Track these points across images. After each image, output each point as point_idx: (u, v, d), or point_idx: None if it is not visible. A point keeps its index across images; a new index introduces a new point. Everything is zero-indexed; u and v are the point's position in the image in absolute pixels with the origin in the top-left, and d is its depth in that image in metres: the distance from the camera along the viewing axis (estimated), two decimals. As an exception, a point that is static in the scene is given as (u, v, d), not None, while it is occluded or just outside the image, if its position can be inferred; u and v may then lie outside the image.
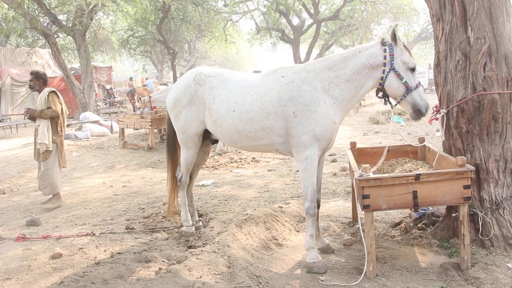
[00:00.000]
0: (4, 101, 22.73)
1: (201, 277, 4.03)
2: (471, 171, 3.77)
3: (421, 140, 5.11)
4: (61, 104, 7.08)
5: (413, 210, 4.82)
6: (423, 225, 4.86)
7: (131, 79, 35.37)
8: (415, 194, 3.76)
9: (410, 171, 4.63)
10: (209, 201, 6.72)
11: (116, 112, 20.57)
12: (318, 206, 4.58)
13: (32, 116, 7.02)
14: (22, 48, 25.05)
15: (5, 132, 18.21)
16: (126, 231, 5.51)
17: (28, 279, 4.33)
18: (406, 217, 5.24)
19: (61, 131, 7.14)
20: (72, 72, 24.62)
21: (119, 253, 4.82)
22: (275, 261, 4.43)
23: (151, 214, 6.19)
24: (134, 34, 29.60)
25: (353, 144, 5.25)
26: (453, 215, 4.38)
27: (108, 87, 31.61)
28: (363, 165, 3.86)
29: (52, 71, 24.73)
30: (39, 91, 7.13)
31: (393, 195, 3.79)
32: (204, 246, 4.70)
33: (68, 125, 16.26)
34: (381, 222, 5.30)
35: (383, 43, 4.14)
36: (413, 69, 4.10)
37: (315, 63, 4.31)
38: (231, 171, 9.14)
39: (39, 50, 25.94)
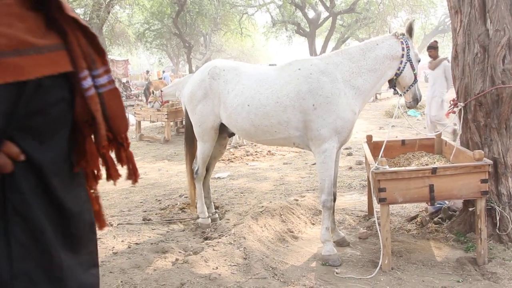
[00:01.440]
0: None
1: (217, 268, 4.08)
2: (489, 165, 3.74)
3: (439, 134, 5.08)
4: None
5: (429, 203, 4.80)
6: (439, 220, 4.84)
7: (147, 72, 35.62)
8: (431, 187, 3.75)
9: (427, 164, 4.62)
10: (225, 194, 6.77)
11: (133, 105, 20.75)
12: (334, 199, 4.59)
13: None
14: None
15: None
16: (143, 222, 5.60)
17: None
18: (422, 211, 5.22)
19: None
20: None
21: (136, 243, 4.90)
22: (291, 253, 4.46)
23: (168, 205, 6.26)
24: (150, 27, 29.79)
25: (369, 138, 5.24)
26: (470, 209, 4.35)
27: (124, 80, 31.88)
28: (380, 158, 3.86)
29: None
30: None
31: (410, 189, 3.78)
32: (220, 238, 4.75)
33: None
34: (397, 216, 5.29)
35: (397, 36, 4.23)
36: (419, 61, 4.35)
37: (332, 55, 4.32)
38: (247, 164, 9.18)
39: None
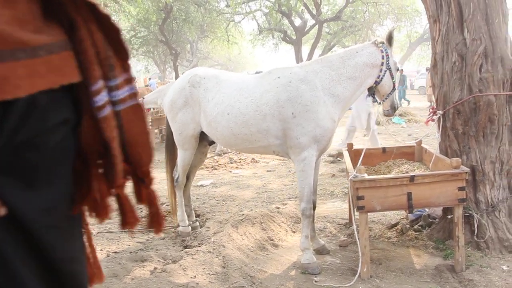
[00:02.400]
0: None
1: (195, 277, 4.04)
2: (466, 172, 3.77)
3: (419, 142, 5.11)
4: None
5: (407, 211, 4.81)
6: (419, 227, 4.85)
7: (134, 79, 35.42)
8: (409, 195, 3.75)
9: (407, 172, 4.64)
10: (207, 201, 6.73)
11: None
12: (314, 208, 4.58)
13: None
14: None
15: None
16: (123, 230, 5.53)
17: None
18: (403, 218, 5.24)
19: None
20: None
21: (115, 252, 4.84)
22: (270, 262, 4.43)
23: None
24: (136, 34, 29.68)
25: (350, 146, 5.25)
26: (449, 217, 4.37)
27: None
28: (358, 166, 3.86)
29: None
30: None
31: (388, 197, 3.78)
32: (199, 246, 4.71)
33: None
34: (378, 223, 5.29)
35: (377, 44, 4.24)
36: (397, 70, 4.42)
37: (312, 63, 4.33)
38: (230, 171, 9.15)
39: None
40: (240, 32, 33.31)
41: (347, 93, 4.20)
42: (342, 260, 4.41)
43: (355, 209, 3.95)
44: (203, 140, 5.07)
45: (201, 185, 7.91)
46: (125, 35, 30.16)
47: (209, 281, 3.94)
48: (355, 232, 3.96)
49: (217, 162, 10.01)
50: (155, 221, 1.24)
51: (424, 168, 4.70)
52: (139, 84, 33.71)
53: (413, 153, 5.11)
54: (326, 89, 4.15)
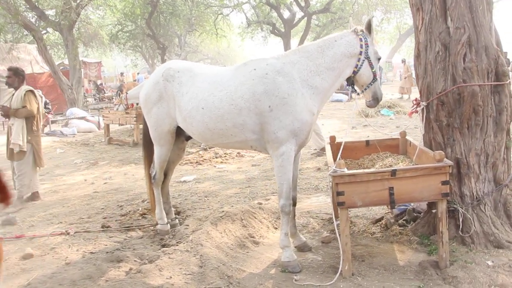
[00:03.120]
0: (-8, 96, 22.43)
1: (171, 277, 3.89)
2: (449, 166, 3.63)
3: (403, 134, 4.98)
4: (38, 104, 6.87)
5: (389, 207, 4.69)
6: (404, 222, 4.73)
7: (122, 74, 35.07)
8: (391, 190, 3.62)
9: (391, 165, 4.50)
10: (189, 198, 6.57)
11: (108, 107, 20.32)
12: (294, 204, 4.45)
13: (6, 114, 6.78)
14: (8, 44, 24.68)
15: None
16: (102, 229, 5.36)
17: (-6, 281, 4.19)
18: (388, 213, 5.11)
19: (37, 131, 6.93)
20: (62, 68, 24.36)
21: (91, 252, 4.68)
22: (250, 260, 4.29)
23: (129, 211, 6.03)
24: (123, 28, 29.28)
25: (332, 139, 5.11)
26: (434, 211, 4.25)
27: (99, 82, 31.29)
28: (338, 161, 3.72)
29: (40, 67, 24.40)
30: (17, 89, 6.87)
31: (369, 192, 3.64)
32: (177, 245, 4.56)
33: (54, 121, 16.05)
34: (362, 218, 5.16)
35: (356, 33, 4.07)
36: (379, 59, 4.19)
37: (289, 54, 4.16)
38: (215, 166, 8.98)
39: (26, 46, 25.58)
40: (228, 25, 33.00)
41: (325, 84, 4.04)
42: (324, 257, 4.27)
43: (335, 205, 3.80)
44: (180, 136, 4.90)
45: (184, 181, 7.75)
46: (112, 29, 29.84)
47: (185, 282, 3.80)
48: (336, 229, 3.81)
49: (201, 156, 9.84)
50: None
51: (409, 161, 4.58)
52: (127, 79, 33.37)
53: (397, 146, 4.99)
54: (304, 80, 3.99)
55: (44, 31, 26.38)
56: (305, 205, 5.84)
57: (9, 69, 7.03)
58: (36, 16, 21.08)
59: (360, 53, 4.05)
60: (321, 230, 4.97)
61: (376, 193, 3.64)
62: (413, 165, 4.32)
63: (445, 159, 3.69)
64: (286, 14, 28.89)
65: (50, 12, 22.15)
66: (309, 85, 3.99)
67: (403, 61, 24.93)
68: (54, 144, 12.72)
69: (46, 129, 15.00)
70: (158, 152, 4.88)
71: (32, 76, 23.26)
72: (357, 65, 4.07)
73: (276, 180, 4.13)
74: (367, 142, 5.06)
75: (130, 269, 4.17)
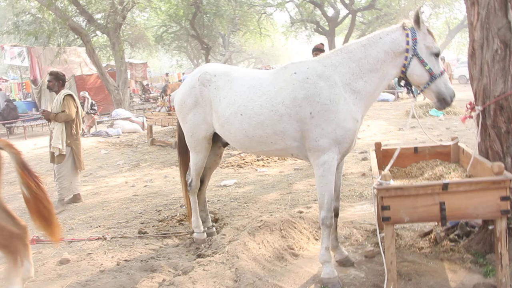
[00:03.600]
0: (44, 99, 23.23)
1: (204, 292, 3.73)
2: (510, 180, 3.25)
3: (455, 140, 4.59)
4: (76, 107, 6.94)
5: (440, 224, 4.31)
6: (456, 237, 4.34)
7: (167, 74, 35.58)
8: (442, 205, 3.28)
9: (441, 175, 4.15)
10: (228, 204, 6.40)
11: (151, 108, 20.58)
12: (336, 215, 4.17)
13: (47, 118, 6.93)
14: (62, 48, 25.48)
15: (43, 129, 18.46)
16: (138, 235, 5.27)
17: (30, 285, 4.18)
18: (437, 225, 4.73)
19: (76, 134, 7.01)
20: (109, 69, 24.94)
21: (126, 260, 4.59)
22: (288, 274, 4.05)
23: (167, 217, 5.93)
24: (167, 30, 29.65)
25: (378, 145, 4.77)
26: (490, 227, 3.86)
27: (145, 83, 31.88)
28: (384, 172, 3.42)
29: (88, 68, 25.11)
30: (57, 93, 7.01)
31: (417, 207, 3.32)
32: (213, 256, 4.39)
33: (100, 122, 16.36)
34: (409, 230, 4.81)
35: (404, 27, 3.71)
36: (437, 55, 3.70)
37: (331, 56, 3.87)
38: (256, 170, 8.77)
39: (76, 48, 26.37)
40: (272, 24, 32.82)
41: (369, 88, 3.73)
42: (368, 273, 3.97)
43: (380, 220, 3.50)
44: (217, 142, 4.72)
45: (224, 185, 7.60)
46: (157, 31, 30.29)
47: (218, 298, 3.61)
48: (380, 246, 3.51)
49: (243, 159, 9.67)
50: None
51: (461, 170, 4.20)
52: (172, 79, 33.79)
53: (448, 153, 4.60)
54: (346, 84, 3.70)
55: (93, 34, 27.14)
56: (348, 214, 5.54)
57: (50, 74, 7.14)
58: (85, 20, 21.60)
59: (407, 51, 3.67)
60: (364, 242, 4.66)
61: (425, 208, 3.31)
62: (466, 175, 3.96)
63: (505, 171, 3.31)
64: (330, 12, 28.37)
65: (98, 16, 22.71)
66: (352, 89, 3.70)
67: (442, 59, 23.79)
68: (99, 145, 12.93)
69: (92, 130, 15.33)
70: (194, 159, 4.73)
71: (81, 78, 23.97)
72: (404, 64, 3.70)
73: (317, 190, 3.87)
74: (416, 149, 4.70)
75: (163, 280, 4.04)
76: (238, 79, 4.22)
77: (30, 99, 25.20)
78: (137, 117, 16.96)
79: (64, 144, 6.81)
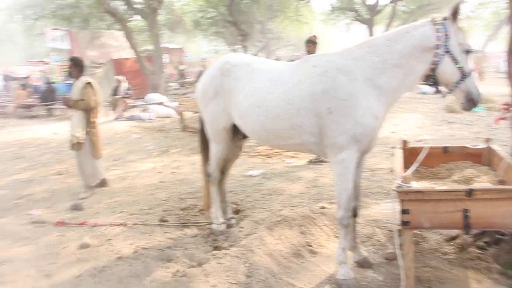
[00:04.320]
0: (82, 81, 23.72)
1: (215, 285, 3.72)
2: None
3: (487, 140, 4.36)
4: (95, 96, 6.81)
5: (463, 232, 4.10)
6: (484, 244, 4.11)
7: (204, 60, 35.68)
8: (466, 213, 3.10)
9: (471, 178, 3.95)
10: (252, 195, 6.32)
11: (185, 94, 20.69)
12: (355, 215, 4.03)
13: (67, 104, 6.83)
14: (100, 32, 25.92)
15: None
16: (158, 223, 5.29)
17: (50, 268, 4.31)
18: (465, 229, 4.51)
19: (95, 122, 6.90)
20: (146, 53, 25.21)
21: (144, 248, 4.62)
22: (303, 272, 3.97)
23: (189, 205, 5.92)
24: (205, 15, 29.65)
25: (404, 143, 4.59)
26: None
27: (181, 68, 32.08)
28: (405, 173, 3.26)
29: (126, 53, 25.39)
30: (77, 78, 6.85)
31: (439, 212, 3.15)
32: (229, 249, 4.35)
33: (133, 106, 16.56)
34: (435, 233, 4.59)
35: (434, 22, 3.49)
36: (468, 52, 3.47)
37: (354, 49, 3.69)
38: (284, 160, 8.65)
39: (114, 32, 26.75)
40: (311, 11, 32.30)
41: (392, 83, 3.54)
42: (386, 277, 3.83)
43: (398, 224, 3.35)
44: (238, 133, 4.64)
45: (250, 175, 7.52)
46: (194, 16, 30.37)
47: (229, 293, 3.57)
48: (397, 252, 3.37)
49: (272, 149, 9.54)
50: None
51: (493, 174, 3.99)
52: (209, 64, 33.86)
53: (480, 155, 4.37)
54: (368, 80, 3.53)
55: (131, 18, 27.47)
56: (373, 212, 5.37)
57: (70, 60, 7.02)
58: (124, 5, 21.87)
59: (437, 47, 3.44)
60: (386, 243, 4.50)
61: (447, 214, 3.14)
62: (498, 180, 3.74)
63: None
64: (370, 0, 27.65)
65: (136, 0, 22.91)
66: (374, 85, 3.53)
67: (479, 52, 22.70)
68: (131, 129, 13.09)
69: (126, 114, 15.53)
70: (214, 150, 4.68)
71: (118, 62, 24.33)
72: (434, 61, 3.48)
73: (335, 188, 3.74)
74: (445, 148, 4.49)
75: (177, 271, 4.04)
76: (259, 70, 4.11)
77: (70, 81, 25.78)
78: (171, 102, 17.05)
79: (83, 132, 6.72)
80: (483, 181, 3.80)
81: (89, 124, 6.82)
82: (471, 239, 4.24)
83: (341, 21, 32.41)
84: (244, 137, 4.77)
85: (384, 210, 5.51)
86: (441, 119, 11.89)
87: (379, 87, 3.54)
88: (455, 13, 3.46)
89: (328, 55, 3.77)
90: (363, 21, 27.67)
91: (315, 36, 8.37)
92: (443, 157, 4.49)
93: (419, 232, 4.42)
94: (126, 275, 4.02)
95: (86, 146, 6.81)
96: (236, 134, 4.61)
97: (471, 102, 3.48)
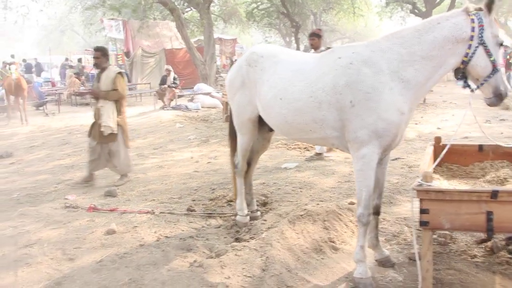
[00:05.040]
0: (135, 71, 24.44)
1: (229, 277, 3.69)
2: None
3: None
4: (125, 85, 6.88)
5: (485, 235, 3.84)
6: (516, 248, 3.87)
7: (255, 51, 35.69)
8: (489, 215, 2.89)
9: (505, 179, 3.70)
10: (283, 188, 6.25)
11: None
12: (378, 213, 3.88)
13: (97, 96, 6.80)
14: (153, 22, 26.52)
15: (129, 100, 19.38)
16: (185, 213, 5.33)
17: (74, 252, 4.41)
18: (500, 233, 4.24)
19: (124, 112, 6.94)
20: (199, 44, 25.56)
21: (166, 236, 4.67)
22: (322, 269, 3.86)
23: (218, 196, 5.93)
24: (258, 6, 29.66)
25: (437, 140, 4.37)
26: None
27: (234, 58, 32.29)
28: (426, 172, 3.09)
29: (179, 43, 25.84)
30: (104, 69, 6.80)
31: (460, 214, 2.96)
32: (249, 241, 4.32)
33: (180, 96, 16.82)
34: (466, 234, 4.34)
35: (468, 12, 3.28)
36: (501, 45, 3.29)
37: (381, 41, 3.52)
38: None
39: (168, 23, 27.28)
40: (367, 3, 31.53)
41: (420, 77, 3.35)
42: (406, 277, 3.66)
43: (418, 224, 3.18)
44: (265, 125, 4.57)
45: (285, 168, 7.44)
46: (247, 7, 30.44)
47: (241, 286, 3.54)
48: (415, 252, 3.21)
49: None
50: None
51: (530, 175, 3.71)
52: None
53: (519, 154, 4.08)
54: (394, 72, 3.35)
55: (187, 9, 27.92)
56: (404, 210, 5.16)
57: (98, 50, 6.93)
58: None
59: (471, 38, 3.23)
60: (412, 243, 4.31)
61: (469, 216, 2.94)
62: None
63: None
64: (428, -9, 26.56)
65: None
66: (400, 78, 3.34)
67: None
68: (176, 118, 13.32)
69: (173, 103, 15.81)
70: (240, 140, 4.65)
71: (171, 52, 24.82)
72: (467, 53, 3.27)
73: (356, 185, 3.61)
74: (480, 146, 4.22)
75: (195, 261, 4.04)
76: (284, 62, 4.02)
77: (123, 70, 26.56)
78: (218, 92, 17.21)
79: (116, 122, 6.72)
80: (517, 182, 3.55)
81: (120, 114, 6.84)
82: (504, 242, 3.98)
83: (397, 13, 31.41)
84: (271, 129, 4.70)
85: (415, 208, 5.27)
86: (493, 116, 11.27)
87: (405, 80, 3.36)
88: (490, 4, 3.25)
89: (354, 46, 3.63)
90: (419, 14, 26.64)
91: (319, 30, 8.15)
92: (478, 155, 4.23)
93: (448, 232, 4.20)
94: (145, 263, 4.06)
95: (120, 136, 6.82)
96: (263, 126, 4.54)
97: (499, 97, 3.30)
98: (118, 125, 6.81)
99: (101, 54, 6.82)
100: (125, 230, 4.88)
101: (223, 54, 31.02)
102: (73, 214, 5.50)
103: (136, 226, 4.96)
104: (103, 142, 6.79)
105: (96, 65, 7.00)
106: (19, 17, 25.27)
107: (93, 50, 7.05)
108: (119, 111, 6.86)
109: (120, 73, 6.87)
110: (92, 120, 7.01)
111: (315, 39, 7.81)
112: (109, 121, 6.67)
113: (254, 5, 29.71)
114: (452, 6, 24.50)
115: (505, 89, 3.32)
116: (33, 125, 13.91)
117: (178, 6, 21.14)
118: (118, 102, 6.83)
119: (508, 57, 16.57)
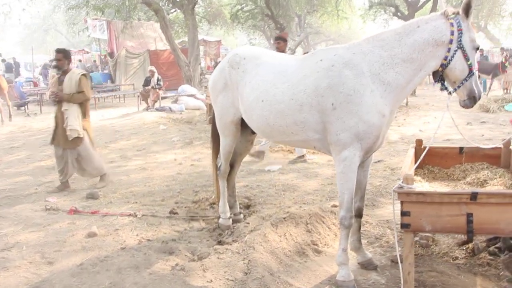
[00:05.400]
0: (119, 72, 24.25)
1: (211, 281, 3.66)
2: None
3: (507, 144, 4.11)
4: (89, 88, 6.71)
5: (466, 236, 3.88)
6: (496, 250, 3.89)
7: (239, 53, 35.66)
8: (469, 217, 2.91)
9: (485, 181, 3.74)
10: (266, 190, 6.23)
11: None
12: (360, 216, 3.89)
13: (61, 100, 6.46)
14: (138, 22, 26.30)
15: (113, 101, 19.28)
16: (167, 216, 5.28)
17: (54, 255, 4.33)
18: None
19: (88, 116, 6.72)
20: (183, 45, 25.43)
21: (148, 240, 4.61)
22: (304, 272, 3.86)
23: (201, 199, 5.88)
24: (242, 8, 29.65)
25: (419, 142, 4.39)
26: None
27: (218, 60, 32.21)
28: (406, 174, 3.10)
29: (163, 44, 25.68)
30: (66, 72, 6.51)
31: (441, 216, 2.98)
32: (231, 244, 4.29)
33: (164, 98, 16.71)
34: (448, 236, 4.38)
35: (447, 15, 3.32)
36: (476, 49, 3.36)
37: (362, 43, 3.54)
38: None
39: (153, 23, 27.09)
40: (350, 6, 31.75)
41: (401, 80, 3.37)
42: (389, 280, 3.68)
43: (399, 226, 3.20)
44: (248, 127, 4.55)
45: (268, 170, 7.43)
46: (232, 9, 30.40)
47: (222, 290, 3.51)
48: (397, 255, 3.22)
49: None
50: None
51: (509, 177, 3.76)
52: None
53: (498, 157, 4.13)
54: (375, 75, 3.36)
55: (173, 10, 27.75)
56: (387, 212, 5.19)
57: (58, 51, 6.61)
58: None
59: (451, 42, 3.28)
60: (395, 245, 4.32)
61: (450, 218, 2.96)
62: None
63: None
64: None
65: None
66: (381, 80, 3.36)
67: (502, 49, 21.50)
68: (160, 120, 13.22)
69: (156, 105, 15.70)
70: (223, 143, 4.62)
71: (155, 53, 24.66)
72: (446, 56, 3.31)
73: (338, 188, 3.61)
74: (461, 149, 4.26)
75: (176, 264, 4.01)
76: (266, 64, 4.01)
77: (107, 71, 26.35)
78: (202, 94, 17.14)
79: (81, 126, 6.48)
80: (496, 184, 3.58)
81: (84, 118, 6.59)
82: (484, 244, 4.02)
83: (380, 16, 31.71)
84: (253, 132, 4.69)
85: (397, 211, 5.31)
86: (474, 118, 11.43)
87: (386, 83, 3.38)
88: (467, 8, 3.32)
89: (336, 49, 3.63)
90: (402, 17, 26.94)
91: (286, 33, 8.24)
92: (459, 158, 4.27)
93: (430, 235, 4.23)
94: (126, 266, 4.00)
95: (85, 139, 6.59)
96: (246, 128, 4.52)
97: (472, 100, 3.39)
98: (83, 129, 6.55)
99: (63, 56, 6.50)
100: (107, 233, 4.80)
101: (207, 55, 30.94)
102: (53, 216, 5.41)
103: (117, 229, 4.90)
104: (69, 148, 6.51)
105: (57, 67, 6.63)
106: (0, 16, 24.89)
107: (56, 52, 6.67)
108: (84, 114, 6.58)
109: (84, 74, 6.60)
110: (53, 126, 6.67)
111: (281, 43, 7.82)
112: (76, 124, 6.40)
113: (238, 6, 29.68)
114: (434, 9, 24.78)
115: (478, 92, 3.41)
116: (14, 126, 13.68)
117: (162, 7, 20.99)
118: (82, 105, 6.57)
119: (503, 60, 16.76)
